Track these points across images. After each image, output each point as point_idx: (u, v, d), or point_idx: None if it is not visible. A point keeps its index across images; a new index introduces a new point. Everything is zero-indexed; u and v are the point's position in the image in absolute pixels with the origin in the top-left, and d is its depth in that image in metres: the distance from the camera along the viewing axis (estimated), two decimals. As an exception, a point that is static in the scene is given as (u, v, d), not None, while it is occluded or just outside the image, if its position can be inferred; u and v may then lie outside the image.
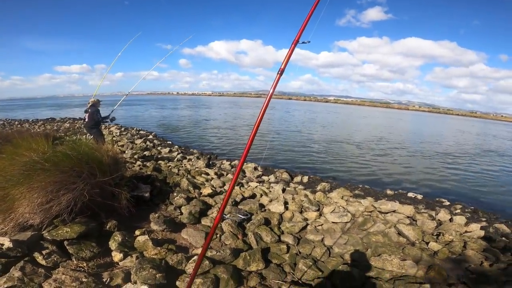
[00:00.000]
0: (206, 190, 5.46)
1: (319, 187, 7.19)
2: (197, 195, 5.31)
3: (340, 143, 17.17)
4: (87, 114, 7.24)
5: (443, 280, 3.53)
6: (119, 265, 3.09)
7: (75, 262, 2.88)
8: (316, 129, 25.47)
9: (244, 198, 5.56)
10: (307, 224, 4.75)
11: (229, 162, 9.64)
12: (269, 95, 1.63)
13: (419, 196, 7.39)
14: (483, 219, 6.26)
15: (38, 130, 14.67)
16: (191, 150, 12.06)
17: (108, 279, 2.76)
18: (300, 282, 3.41)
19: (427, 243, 4.36)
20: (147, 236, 3.61)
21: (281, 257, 3.83)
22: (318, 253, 3.94)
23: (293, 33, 1.65)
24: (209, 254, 3.51)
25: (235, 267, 3.43)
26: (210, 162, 9.60)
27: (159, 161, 8.23)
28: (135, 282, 2.69)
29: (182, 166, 7.93)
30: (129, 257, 3.13)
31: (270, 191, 6.26)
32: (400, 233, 4.54)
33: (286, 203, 5.54)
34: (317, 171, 10.04)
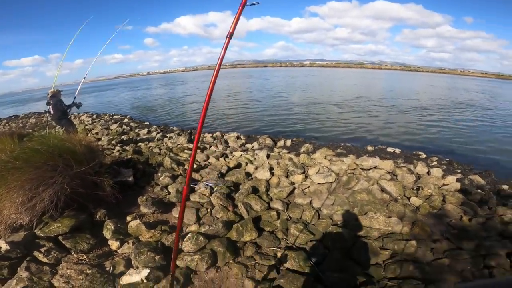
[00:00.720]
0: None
1: (302, 149, 7.12)
2: (182, 172, 5.12)
3: (320, 104, 17.18)
4: (50, 106, 6.67)
5: (428, 236, 3.62)
6: (118, 252, 3.11)
7: (75, 255, 2.90)
8: (296, 93, 25.23)
9: (230, 169, 5.43)
10: (294, 188, 4.70)
11: (210, 135, 9.35)
12: (220, 59, 1.56)
13: (398, 150, 7.54)
14: (458, 171, 6.46)
15: (3, 129, 13.37)
16: (171, 128, 11.56)
17: (111, 268, 2.81)
18: (294, 246, 3.42)
19: (409, 198, 4.45)
20: (138, 220, 3.54)
21: (272, 224, 3.80)
22: (308, 216, 3.94)
23: (261, -1, 1.47)
24: (202, 230, 3.46)
25: (229, 239, 3.39)
26: (192, 137, 9.30)
27: (139, 143, 7.83)
28: (137, 267, 2.75)
29: (164, 145, 7.60)
30: (125, 244, 3.13)
31: (255, 159, 6.14)
32: (383, 190, 4.60)
33: (271, 169, 5.43)
34: (299, 134, 9.97)
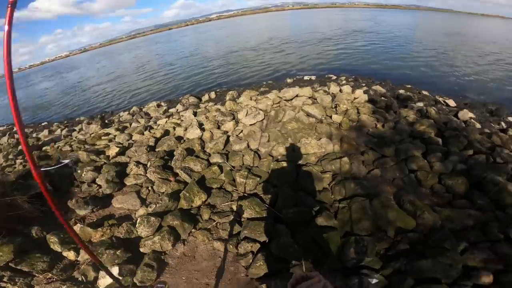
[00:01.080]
0: (112, 151, 4.62)
1: (228, 97, 6.95)
2: (105, 160, 4.47)
3: (236, 53, 16.77)
4: None
5: (356, 150, 4.00)
6: (79, 261, 2.89)
7: (41, 276, 2.67)
8: (209, 48, 23.88)
9: (158, 139, 4.96)
10: (229, 136, 4.59)
11: (127, 112, 8.30)
12: (6, 33, 1.16)
13: (313, 77, 8.15)
14: (363, 84, 7.33)
15: None
16: (77, 119, 9.79)
17: (83, 277, 2.66)
18: (246, 194, 3.40)
19: (331, 117, 4.80)
20: (80, 224, 3.21)
21: (218, 179, 3.68)
22: (249, 160, 3.91)
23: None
24: (150, 210, 3.18)
25: (182, 209, 3.19)
26: (106, 121, 8.09)
27: (43, 148, 6.42)
28: (107, 267, 2.39)
29: (74, 140, 6.42)
30: (81, 250, 2.88)
31: (182, 120, 5.72)
32: (308, 114, 4.85)
33: (201, 124, 5.15)
34: (222, 84, 9.70)
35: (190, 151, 4.34)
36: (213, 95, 7.96)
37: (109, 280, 2.52)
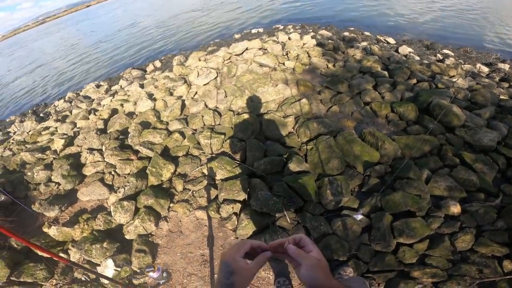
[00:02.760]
0: (58, 144, 3.99)
1: (174, 63, 6.33)
2: (54, 156, 3.87)
3: (177, 17, 15.13)
4: None
5: (313, 91, 3.94)
6: (74, 261, 2.66)
7: (47, 284, 2.54)
8: (145, 16, 21.26)
9: (107, 120, 4.40)
10: (184, 101, 4.20)
11: (62, 100, 7.18)
12: None
13: (260, 30, 7.79)
14: (310, 30, 7.22)
15: None
16: (8, 120, 8.23)
17: (85, 277, 2.54)
18: (214, 155, 3.23)
19: (283, 64, 4.65)
20: (55, 226, 2.86)
21: (182, 146, 3.40)
22: (209, 120, 3.66)
23: None
24: (121, 195, 2.92)
25: (153, 186, 2.91)
26: (41, 115, 6.95)
27: None
28: (101, 262, 2.49)
29: (12, 143, 5.41)
30: (70, 251, 2.66)
31: (129, 95, 5.09)
32: (261, 64, 4.63)
33: (151, 95, 4.63)
34: (165, 51, 8.80)
35: (145, 125, 3.92)
36: (158, 63, 7.19)
37: (109, 273, 2.42)
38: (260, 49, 5.35)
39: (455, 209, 2.37)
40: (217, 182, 2.92)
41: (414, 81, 4.16)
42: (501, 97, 4.06)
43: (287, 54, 4.97)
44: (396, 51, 5.87)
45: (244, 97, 3.91)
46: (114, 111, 4.71)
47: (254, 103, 3.79)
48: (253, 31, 7.86)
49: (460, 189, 2.51)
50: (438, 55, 6.00)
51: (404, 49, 5.81)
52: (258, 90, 3.96)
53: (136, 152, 3.48)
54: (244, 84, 4.18)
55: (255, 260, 0.60)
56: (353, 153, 2.86)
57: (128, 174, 3.19)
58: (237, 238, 2.49)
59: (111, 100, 5.28)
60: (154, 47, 10.49)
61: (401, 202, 2.37)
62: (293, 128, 3.42)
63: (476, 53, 6.42)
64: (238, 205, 2.62)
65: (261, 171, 2.86)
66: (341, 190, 2.50)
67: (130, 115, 4.40)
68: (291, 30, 7.32)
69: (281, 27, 7.89)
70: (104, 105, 5.26)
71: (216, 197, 2.77)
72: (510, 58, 6.34)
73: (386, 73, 4.30)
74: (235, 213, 2.61)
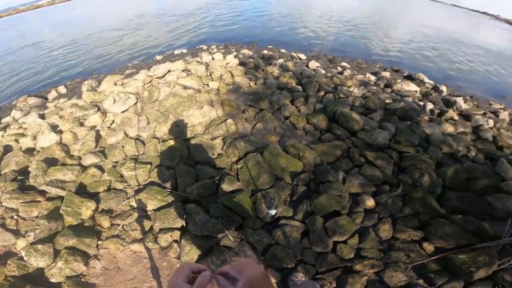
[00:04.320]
0: None
1: (84, 88, 5.55)
2: None
3: (89, 37, 13.53)
4: None
5: (238, 110, 4.04)
6: None
7: None
8: (50, 35, 18.31)
9: (-3, 160, 3.56)
10: (98, 131, 3.74)
11: None
12: None
13: (184, 50, 7.66)
14: (233, 50, 7.49)
15: None
16: None
17: None
18: (142, 186, 2.97)
19: (208, 85, 4.67)
20: None
21: (102, 181, 3.02)
22: (132, 149, 3.36)
23: None
24: (31, 239, 2.45)
25: (71, 227, 2.55)
26: None
27: None
28: None
29: None
30: None
31: (26, 129, 4.27)
32: (185, 87, 4.55)
33: (55, 127, 4.00)
34: (72, 76, 7.63)
35: (51, 161, 3.33)
36: (62, 89, 6.21)
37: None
38: (183, 70, 5.25)
39: (370, 202, 2.74)
40: (149, 213, 2.71)
41: (322, 93, 4.73)
42: (387, 101, 4.97)
43: (211, 74, 5.01)
44: (307, 66, 6.61)
45: (169, 122, 3.75)
46: (7, 149, 3.86)
47: (179, 128, 3.68)
48: (176, 52, 7.68)
49: (369, 184, 2.92)
50: (338, 67, 6.99)
51: (313, 64, 6.59)
52: (183, 114, 3.87)
53: (43, 192, 2.94)
54: (168, 109, 4.02)
55: (196, 282, 0.61)
56: (280, 166, 3.05)
57: (37, 216, 2.70)
58: (183, 265, 2.36)
59: (2, 136, 4.32)
60: (58, 70, 9.02)
61: (327, 204, 2.62)
62: (221, 149, 3.43)
63: (366, 64, 7.79)
64: (177, 232, 2.50)
65: (195, 195, 2.79)
66: (275, 201, 2.63)
67: (29, 151, 3.70)
68: (215, 50, 7.46)
69: (205, 47, 7.95)
70: (-8, 144, 4.26)
71: (151, 228, 2.58)
72: (390, 66, 7.92)
73: (300, 87, 4.78)
74: (175, 241, 2.48)
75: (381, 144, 3.52)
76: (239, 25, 12.10)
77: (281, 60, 6.56)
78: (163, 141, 3.46)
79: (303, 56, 7.54)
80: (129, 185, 3.01)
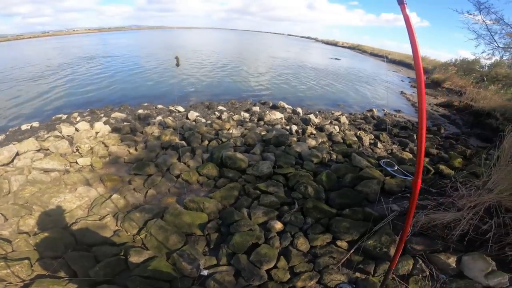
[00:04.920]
0: None
1: None
2: None
3: None
4: None
5: (122, 182, 3.79)
6: None
7: None
8: None
9: None
10: None
11: None
12: None
13: (35, 123, 6.18)
14: (102, 115, 6.70)
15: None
16: None
17: None
18: (27, 281, 2.29)
19: (76, 162, 4.12)
20: None
21: None
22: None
23: None
24: None
25: None
26: None
27: None
28: None
29: None
30: None
31: None
32: (46, 170, 3.84)
33: None
34: None
35: None
36: None
37: None
38: (38, 150, 4.40)
39: (278, 225, 3.08)
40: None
41: (206, 142, 5.10)
42: (262, 133, 5.87)
43: (77, 150, 4.42)
44: (187, 117, 6.90)
45: (35, 214, 3.07)
46: None
47: (52, 217, 3.08)
48: (23, 127, 6.05)
49: (272, 210, 3.32)
50: (216, 112, 7.60)
51: (192, 114, 6.96)
52: (52, 201, 3.25)
53: None
54: (28, 200, 3.27)
55: None
56: (186, 222, 3.06)
57: None
58: None
59: None
60: None
61: (243, 241, 2.79)
62: (116, 225, 3.10)
63: (239, 103, 8.91)
64: None
65: (103, 276, 2.43)
66: (194, 256, 2.60)
67: None
68: (78, 118, 6.49)
69: (64, 116, 6.68)
70: None
71: None
72: (258, 100, 9.35)
73: (184, 142, 4.97)
74: None
75: (267, 173, 4.12)
76: (104, 84, 10.99)
77: (159, 117, 6.57)
78: (35, 234, 2.82)
79: (181, 109, 7.79)
80: (10, 283, 2.29)
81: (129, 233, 3.02)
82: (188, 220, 3.09)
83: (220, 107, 8.17)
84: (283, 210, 3.41)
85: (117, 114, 6.59)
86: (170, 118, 6.20)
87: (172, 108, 7.67)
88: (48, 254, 2.62)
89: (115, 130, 5.30)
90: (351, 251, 2.70)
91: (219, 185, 3.88)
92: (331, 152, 5.19)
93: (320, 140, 5.75)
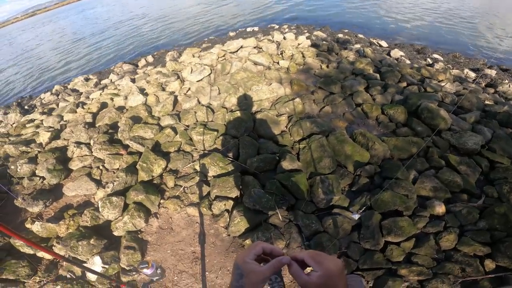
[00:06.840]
0: (44, 137, 3.91)
1: (168, 58, 6.28)
2: (39, 149, 3.77)
3: (172, 14, 14.97)
4: None
5: (306, 90, 4.02)
6: (61, 257, 2.48)
7: (30, 281, 2.45)
8: (139, 12, 20.84)
9: (95, 114, 4.33)
10: (176, 96, 4.19)
11: (49, 93, 7.00)
12: None
13: (256, 28, 7.85)
14: (305, 31, 7.29)
15: None
16: None
17: (70, 274, 2.47)
18: (206, 151, 3.24)
19: (278, 63, 4.70)
20: (39, 222, 2.74)
21: (174, 142, 3.41)
22: (202, 116, 3.66)
23: None
24: (109, 190, 2.86)
25: (143, 182, 2.89)
26: (26, 107, 6.78)
27: None
28: (88, 259, 2.43)
29: None
30: (54, 247, 2.57)
31: (120, 90, 5.04)
32: (256, 63, 4.66)
33: (143, 90, 4.59)
34: (158, 47, 8.77)
35: (136, 119, 3.90)
36: (150, 59, 7.13)
37: (98, 269, 2.36)
38: (255, 47, 5.39)
39: (440, 209, 2.47)
40: (209, 178, 2.93)
41: (404, 84, 4.28)
42: (487, 102, 4.22)
43: (281, 53, 5.03)
44: (388, 54, 6.00)
45: (238, 94, 3.93)
46: (104, 105, 4.64)
47: (247, 101, 3.82)
48: (248, 29, 7.91)
49: (445, 189, 2.62)
50: (428, 59, 6.17)
51: (396, 53, 5.95)
52: (252, 88, 3.99)
53: (126, 146, 3.46)
54: (238, 82, 4.21)
55: (269, 263, 0.58)
56: (344, 153, 2.94)
57: (117, 169, 3.17)
58: (228, 235, 2.50)
59: (100, 94, 5.20)
60: (146, 42, 10.40)
61: (390, 202, 2.46)
62: (286, 126, 3.47)
63: (465, 59, 6.63)
64: (231, 202, 2.63)
65: (254, 168, 2.88)
66: (333, 189, 2.56)
67: (120, 109, 4.36)
68: (286, 30, 7.40)
69: (277, 26, 7.98)
70: (93, 99, 5.18)
71: (208, 193, 2.77)
72: (497, 64, 6.59)
73: (377, 75, 4.41)
74: (227, 210, 2.62)
75: (470, 149, 3.05)
76: (313, 6, 11.65)
77: (358, 45, 6.12)
78: (231, 111, 3.67)
79: (384, 44, 6.87)
80: (196, 149, 3.30)
81: (292, 138, 3.28)
82: (348, 151, 2.93)
83: (435, 56, 6.46)
84: (459, 198, 2.64)
85: (318, 33, 6.79)
86: (370, 49, 5.60)
87: (374, 41, 6.94)
88: (231, 132, 3.33)
89: (314, 45, 5.52)
90: (490, 275, 2.10)
91: (399, 133, 3.32)
92: None
93: None
